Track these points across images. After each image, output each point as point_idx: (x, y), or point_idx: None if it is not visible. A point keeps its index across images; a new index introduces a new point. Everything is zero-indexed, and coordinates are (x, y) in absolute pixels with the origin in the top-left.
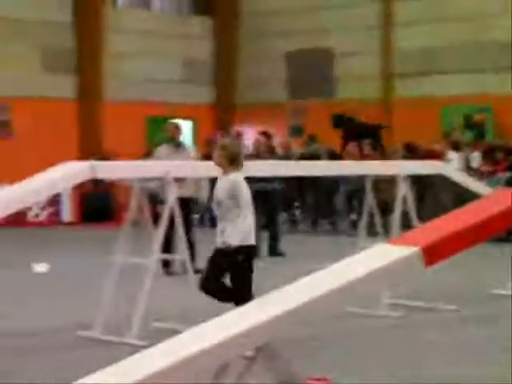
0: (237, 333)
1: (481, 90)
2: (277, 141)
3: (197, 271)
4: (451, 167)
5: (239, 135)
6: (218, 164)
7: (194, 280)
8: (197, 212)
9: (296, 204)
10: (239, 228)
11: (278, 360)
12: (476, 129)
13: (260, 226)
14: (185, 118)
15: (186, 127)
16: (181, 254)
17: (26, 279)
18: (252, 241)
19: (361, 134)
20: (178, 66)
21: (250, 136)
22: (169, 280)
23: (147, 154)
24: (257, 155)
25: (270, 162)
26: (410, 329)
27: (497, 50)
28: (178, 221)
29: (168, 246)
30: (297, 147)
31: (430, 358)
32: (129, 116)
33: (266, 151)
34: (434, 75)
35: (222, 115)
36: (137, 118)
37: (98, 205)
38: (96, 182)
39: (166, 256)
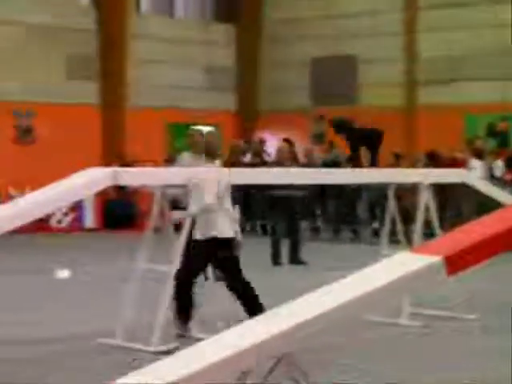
0: (257, 341)
1: (504, 97)
2: (300, 148)
3: (218, 278)
4: (474, 175)
5: (262, 142)
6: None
7: (215, 287)
8: None
9: (318, 212)
10: None
11: (297, 368)
12: (499, 137)
13: (281, 234)
14: (207, 124)
15: None
16: None
17: (48, 285)
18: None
19: (362, 141)
20: (200, 73)
21: (272, 143)
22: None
23: (169, 161)
24: (279, 162)
25: (292, 169)
26: (430, 338)
27: None
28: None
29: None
30: (319, 154)
31: (449, 367)
32: (151, 123)
33: (288, 158)
34: (458, 83)
35: (244, 122)
36: (159, 124)
37: (120, 211)
38: (118, 189)
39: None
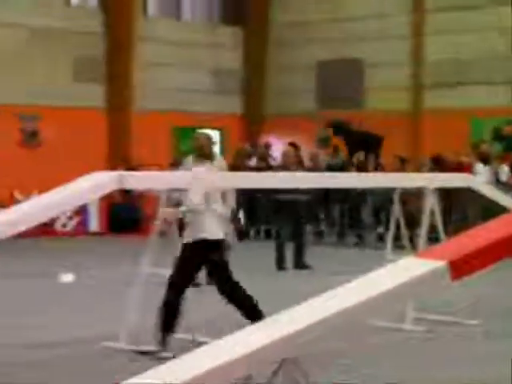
0: (261, 345)
1: (511, 101)
2: (305, 152)
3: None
4: (480, 180)
5: (268, 146)
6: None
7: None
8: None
9: (322, 216)
10: None
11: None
12: (505, 141)
13: (286, 238)
14: (213, 128)
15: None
16: None
17: (53, 289)
18: None
19: (360, 145)
20: (207, 76)
21: (278, 147)
22: (193, 291)
23: (174, 164)
24: (285, 167)
25: (298, 173)
26: (434, 343)
27: None
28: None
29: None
30: (324, 158)
31: (450, 369)
32: (157, 126)
33: (294, 163)
34: (464, 86)
35: (250, 125)
36: (165, 127)
37: (125, 215)
38: (124, 193)
39: None
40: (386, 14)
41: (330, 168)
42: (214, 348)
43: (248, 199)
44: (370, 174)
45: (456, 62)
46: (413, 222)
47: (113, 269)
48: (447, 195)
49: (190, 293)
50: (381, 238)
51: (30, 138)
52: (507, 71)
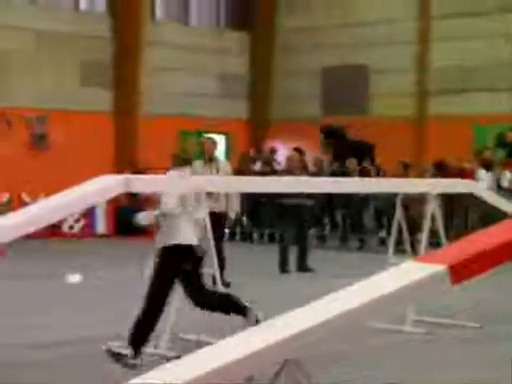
0: (263, 347)
1: None
2: (310, 157)
3: (226, 284)
4: (482, 186)
5: (272, 151)
6: None
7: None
8: (228, 226)
9: (325, 220)
10: None
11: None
12: (508, 147)
13: (289, 241)
14: (219, 132)
15: (220, 142)
16: (210, 267)
17: (60, 290)
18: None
19: (351, 152)
20: (214, 81)
21: (283, 152)
22: None
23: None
24: (289, 171)
25: (302, 178)
26: (433, 345)
27: None
28: (210, 235)
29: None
30: (328, 163)
31: (451, 373)
32: (164, 130)
33: (298, 167)
34: (468, 93)
35: (256, 130)
36: (172, 132)
37: (131, 218)
38: (130, 196)
39: None
40: (391, 21)
41: (334, 173)
42: (215, 349)
43: (252, 203)
44: (373, 180)
45: (461, 69)
46: (414, 226)
47: (119, 270)
48: (449, 201)
49: None
50: (383, 243)
51: (39, 141)
52: (511, 78)
